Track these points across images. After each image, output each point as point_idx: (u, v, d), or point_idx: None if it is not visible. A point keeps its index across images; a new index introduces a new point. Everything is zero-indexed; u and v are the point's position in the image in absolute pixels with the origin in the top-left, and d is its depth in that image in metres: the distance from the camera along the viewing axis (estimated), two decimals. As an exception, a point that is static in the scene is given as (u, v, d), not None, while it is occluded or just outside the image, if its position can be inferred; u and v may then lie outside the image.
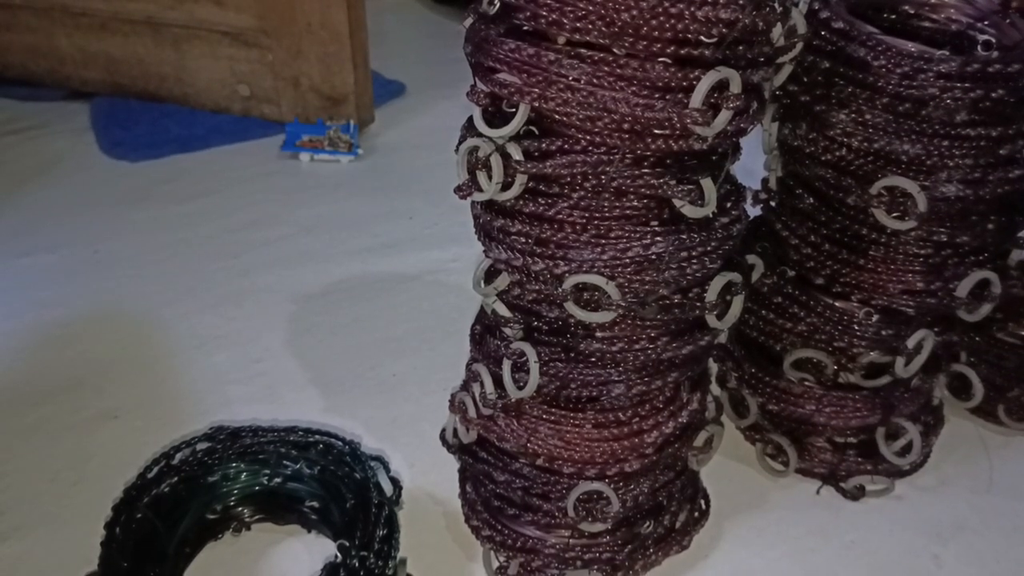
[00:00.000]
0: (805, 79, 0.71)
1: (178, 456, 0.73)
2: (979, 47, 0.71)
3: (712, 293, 0.63)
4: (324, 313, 1.07)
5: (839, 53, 0.68)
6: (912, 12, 0.76)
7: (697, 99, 0.52)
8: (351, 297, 1.10)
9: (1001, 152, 0.67)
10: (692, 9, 0.51)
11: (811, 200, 0.76)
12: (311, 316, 1.06)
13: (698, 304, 0.63)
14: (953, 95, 0.64)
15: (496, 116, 0.58)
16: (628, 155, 0.56)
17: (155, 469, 0.71)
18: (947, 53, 0.65)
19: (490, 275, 0.66)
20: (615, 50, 0.52)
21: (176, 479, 0.71)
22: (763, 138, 0.77)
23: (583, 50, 0.53)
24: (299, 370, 0.98)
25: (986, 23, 0.72)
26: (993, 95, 0.64)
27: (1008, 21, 0.72)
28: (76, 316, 1.05)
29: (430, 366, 0.98)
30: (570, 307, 0.60)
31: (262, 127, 1.47)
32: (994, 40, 0.71)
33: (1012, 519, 0.82)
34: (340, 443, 0.75)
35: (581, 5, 0.51)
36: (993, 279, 0.73)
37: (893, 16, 0.76)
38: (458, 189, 0.61)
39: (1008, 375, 0.90)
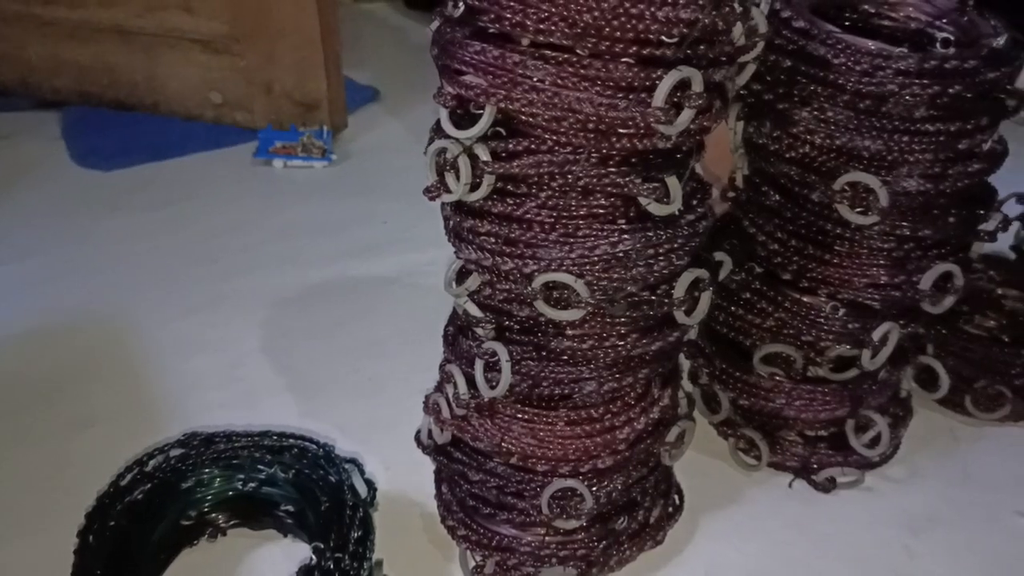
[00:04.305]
0: (768, 78, 0.72)
1: (151, 463, 0.73)
2: (938, 44, 0.73)
3: (680, 289, 0.64)
4: (301, 318, 1.07)
5: (800, 52, 0.69)
6: (872, 11, 0.77)
7: (659, 98, 0.53)
8: (328, 301, 1.10)
9: (960, 147, 0.69)
10: (653, 9, 0.52)
11: (777, 197, 0.77)
12: (288, 321, 1.06)
13: (666, 301, 0.64)
14: (912, 91, 0.65)
15: (464, 118, 0.58)
16: (594, 154, 0.57)
17: (128, 476, 0.71)
18: (905, 50, 0.66)
19: (461, 276, 0.66)
20: (578, 51, 0.53)
21: (150, 486, 0.71)
22: (729, 137, 0.78)
23: (547, 51, 0.54)
24: (277, 375, 0.97)
25: (944, 21, 0.74)
26: (951, 91, 0.66)
27: (966, 19, 0.73)
28: (50, 324, 1.04)
29: (408, 369, 0.98)
30: (540, 306, 0.61)
31: (235, 134, 1.46)
32: (952, 37, 0.73)
33: (984, 509, 0.84)
34: (314, 446, 0.75)
35: (544, 7, 0.52)
36: (956, 272, 0.74)
37: (855, 15, 0.77)
38: (427, 190, 0.61)
39: (974, 366, 0.92)
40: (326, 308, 1.09)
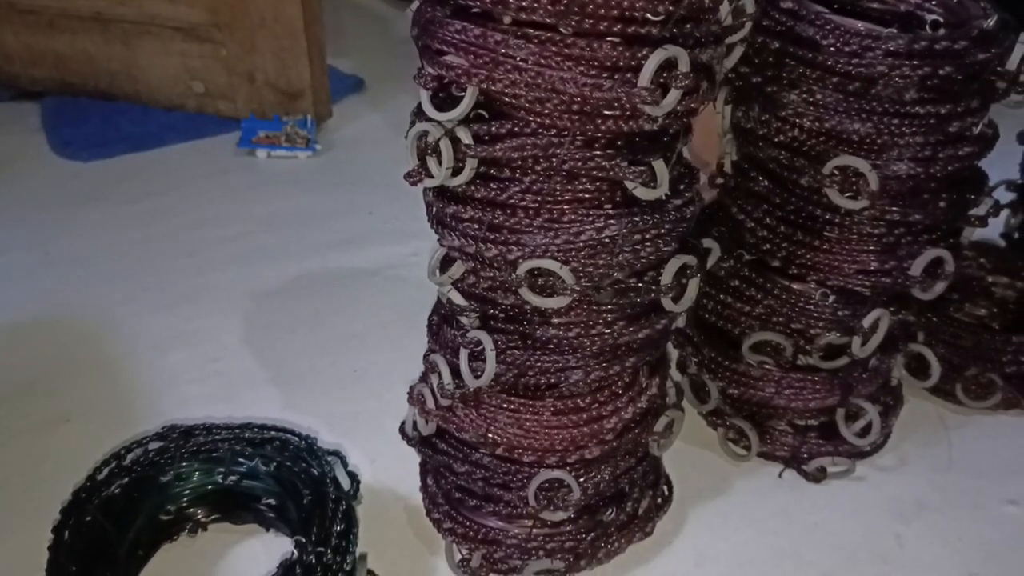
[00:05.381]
0: (756, 60, 0.71)
1: (129, 456, 0.71)
2: (927, 26, 0.72)
3: (667, 276, 0.62)
4: (282, 310, 1.05)
5: (788, 33, 0.68)
6: (861, -8, 0.76)
7: (645, 78, 0.52)
8: (310, 293, 1.09)
9: (950, 129, 0.68)
10: (637, -14, 0.50)
11: (765, 182, 0.76)
12: (269, 313, 1.05)
13: (653, 287, 0.62)
14: (901, 72, 0.64)
15: (446, 100, 0.57)
16: (579, 137, 0.56)
17: (105, 470, 0.70)
18: (895, 31, 0.65)
19: (445, 264, 0.65)
20: (562, 29, 0.52)
21: (127, 480, 0.69)
22: (717, 122, 0.77)
23: (530, 30, 0.52)
24: (258, 368, 0.96)
25: (933, 2, 0.73)
26: (941, 72, 0.65)
27: (955, 0, 0.72)
28: (27, 318, 1.02)
29: (391, 361, 0.97)
30: (525, 293, 0.59)
31: (217, 124, 1.44)
32: (942, 19, 0.72)
33: (972, 496, 0.83)
34: (296, 439, 0.74)
35: (526, -17, 0.50)
36: (946, 257, 0.73)
37: (843, -3, 0.76)
38: (408, 175, 0.60)
39: (964, 354, 0.91)
40: (308, 300, 1.07)
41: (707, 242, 0.80)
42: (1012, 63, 0.67)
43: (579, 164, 0.56)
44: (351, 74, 1.63)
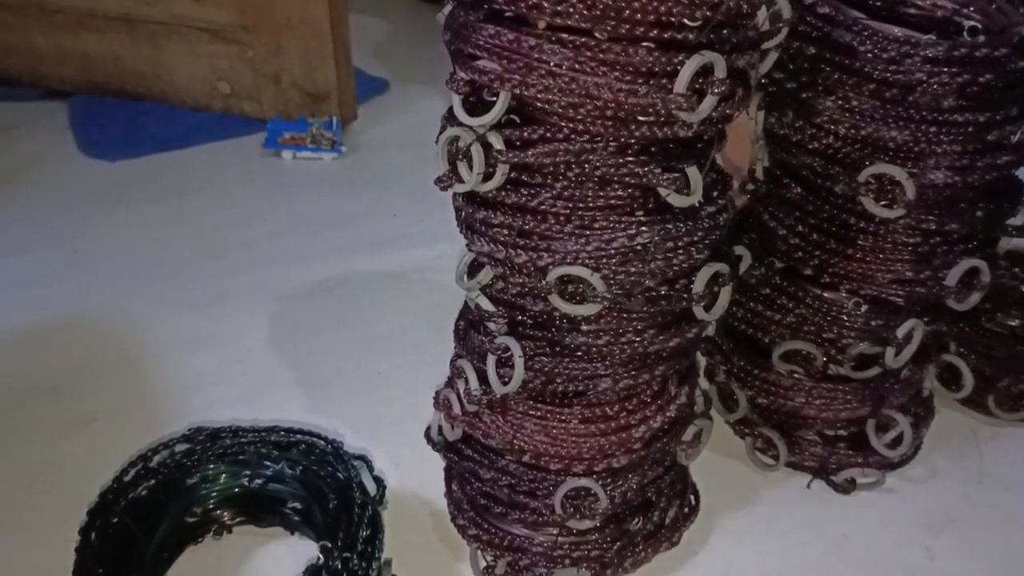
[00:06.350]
0: (791, 66, 0.70)
1: (156, 458, 0.72)
2: (965, 32, 0.70)
3: (699, 284, 0.62)
4: (308, 312, 1.06)
5: (825, 39, 0.67)
6: (898, -2, 0.75)
7: (681, 84, 0.51)
8: (335, 296, 1.09)
9: (989, 138, 0.67)
10: (674, -9, 0.50)
11: (798, 189, 0.75)
12: (294, 315, 1.05)
13: (685, 295, 0.62)
14: (940, 80, 0.63)
15: (477, 105, 0.57)
16: (612, 143, 0.55)
17: (132, 472, 0.70)
18: (934, 37, 0.64)
19: (473, 269, 0.65)
20: (597, 34, 0.51)
21: (154, 482, 0.70)
22: (749, 127, 0.76)
23: (564, 35, 0.52)
24: (282, 370, 0.96)
25: (972, 8, 0.71)
26: (980, 80, 0.63)
27: (995, 6, 0.71)
28: (53, 318, 1.03)
29: (415, 364, 0.96)
30: (554, 300, 0.59)
31: (243, 125, 1.45)
32: (980, 25, 0.70)
33: (1003, 509, 0.82)
34: (322, 443, 0.73)
35: (561, -12, 0.50)
36: (982, 267, 0.72)
37: (879, 2, 0.75)
38: (439, 180, 0.59)
39: (997, 365, 0.90)
40: (332, 302, 1.07)
41: (738, 249, 0.79)
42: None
43: (612, 170, 0.56)
44: (376, 76, 1.63)
